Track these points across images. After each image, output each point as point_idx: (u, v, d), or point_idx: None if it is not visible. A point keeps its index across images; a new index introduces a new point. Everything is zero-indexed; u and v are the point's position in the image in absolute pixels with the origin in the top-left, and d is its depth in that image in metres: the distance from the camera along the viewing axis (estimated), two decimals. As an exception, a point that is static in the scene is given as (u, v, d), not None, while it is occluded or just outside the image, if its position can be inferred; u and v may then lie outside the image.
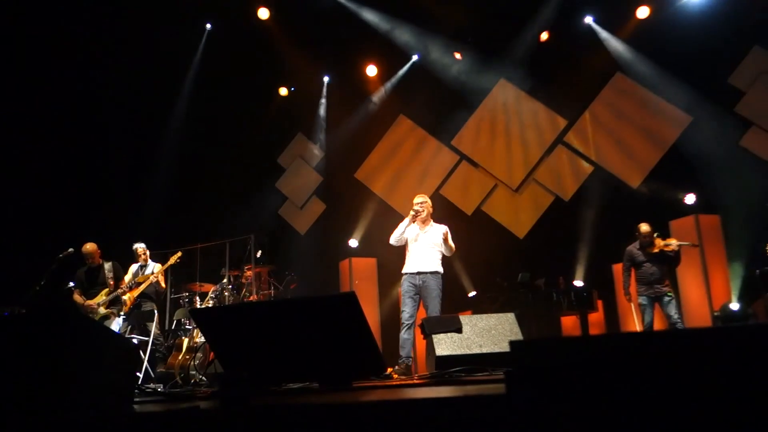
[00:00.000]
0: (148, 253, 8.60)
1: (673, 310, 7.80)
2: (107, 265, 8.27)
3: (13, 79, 9.24)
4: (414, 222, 6.87)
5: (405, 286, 6.78)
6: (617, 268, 9.75)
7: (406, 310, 6.66)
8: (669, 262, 7.97)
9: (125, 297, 8.07)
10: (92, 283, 8.18)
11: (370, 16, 10.78)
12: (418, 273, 6.70)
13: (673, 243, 7.90)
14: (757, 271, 7.76)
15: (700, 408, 1.41)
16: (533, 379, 1.56)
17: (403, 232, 6.84)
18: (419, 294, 6.69)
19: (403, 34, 11.09)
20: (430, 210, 6.98)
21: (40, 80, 9.61)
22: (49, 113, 9.85)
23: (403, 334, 6.59)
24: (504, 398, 1.67)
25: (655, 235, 8.05)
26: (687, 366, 1.44)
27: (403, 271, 6.88)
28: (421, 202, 6.93)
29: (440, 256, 6.84)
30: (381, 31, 10.86)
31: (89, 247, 8.23)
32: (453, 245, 6.79)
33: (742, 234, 8.71)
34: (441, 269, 6.81)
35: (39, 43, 9.40)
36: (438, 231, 6.85)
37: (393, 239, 6.89)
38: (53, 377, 2.89)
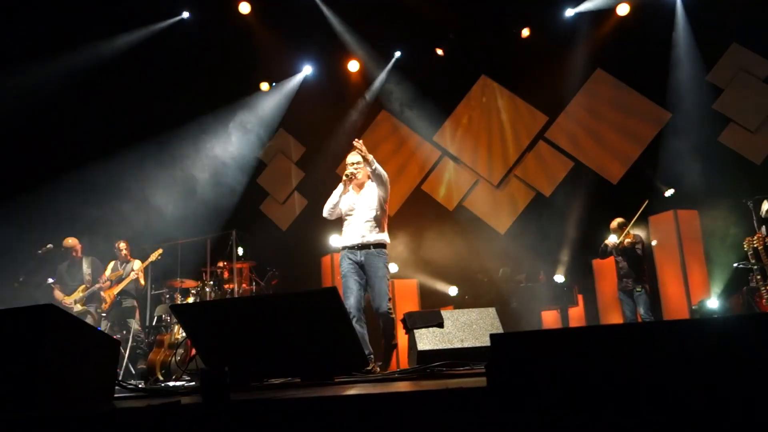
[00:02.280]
0: (128, 249, 8.56)
1: (642, 307, 7.98)
2: (86, 261, 8.23)
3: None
4: (348, 187, 5.87)
5: (345, 266, 5.68)
6: (597, 264, 9.84)
7: (352, 298, 5.53)
8: (633, 255, 8.14)
9: (104, 294, 8.02)
10: (72, 279, 8.15)
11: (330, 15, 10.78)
12: (359, 246, 5.67)
13: (627, 239, 8.14)
14: (735, 265, 7.87)
15: (676, 396, 1.43)
16: (513, 371, 1.57)
17: (338, 202, 5.85)
18: (363, 273, 5.64)
19: (384, 30, 11.07)
20: (367, 173, 5.91)
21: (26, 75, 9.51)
22: (24, 109, 9.71)
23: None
24: (485, 391, 1.68)
25: (625, 230, 8.21)
26: (663, 357, 1.46)
27: (341, 244, 5.86)
28: (357, 162, 5.88)
29: (383, 221, 5.83)
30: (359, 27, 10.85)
31: (70, 241, 8.22)
32: (382, 170, 5.75)
33: (720, 229, 8.82)
34: (386, 238, 5.79)
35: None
36: (374, 190, 5.85)
37: (326, 211, 5.90)
38: (32, 374, 2.87)
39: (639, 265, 8.20)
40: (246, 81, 12.10)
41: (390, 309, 5.67)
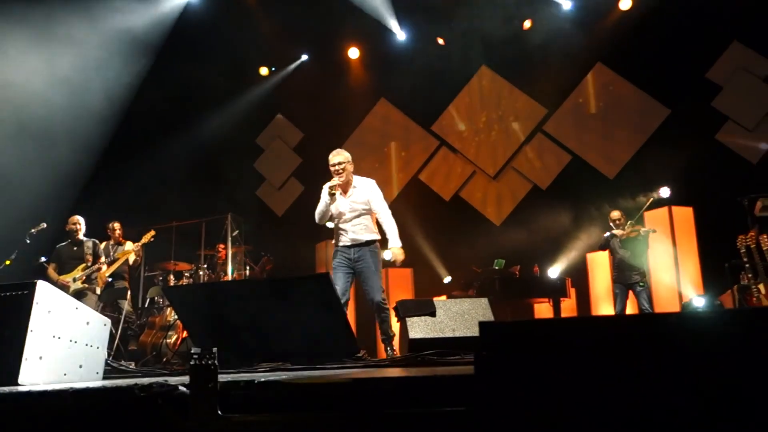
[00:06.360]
0: (122, 230, 8.52)
1: (644, 300, 7.97)
2: (88, 243, 8.12)
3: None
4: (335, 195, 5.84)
5: (337, 259, 5.80)
6: (591, 257, 9.85)
7: (338, 285, 5.49)
8: (644, 247, 8.13)
9: (98, 274, 7.98)
10: (71, 257, 8.02)
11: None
12: (352, 246, 5.78)
13: (640, 229, 8.08)
14: (727, 264, 7.87)
15: (666, 390, 1.43)
16: (500, 360, 1.57)
17: (327, 210, 5.85)
18: (353, 269, 5.76)
19: (386, 18, 11.03)
20: (351, 169, 5.90)
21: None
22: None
23: None
24: (472, 379, 1.68)
25: (629, 222, 8.19)
26: (654, 349, 1.46)
27: (335, 243, 5.95)
28: (339, 163, 5.80)
29: (372, 219, 5.94)
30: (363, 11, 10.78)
31: (75, 218, 8.13)
32: (389, 215, 5.90)
33: (715, 226, 8.82)
34: (377, 235, 5.89)
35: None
36: (364, 190, 5.93)
37: (317, 219, 5.93)
38: (18, 349, 2.87)
39: (644, 256, 8.20)
40: (247, 65, 12.08)
41: (384, 300, 5.77)
